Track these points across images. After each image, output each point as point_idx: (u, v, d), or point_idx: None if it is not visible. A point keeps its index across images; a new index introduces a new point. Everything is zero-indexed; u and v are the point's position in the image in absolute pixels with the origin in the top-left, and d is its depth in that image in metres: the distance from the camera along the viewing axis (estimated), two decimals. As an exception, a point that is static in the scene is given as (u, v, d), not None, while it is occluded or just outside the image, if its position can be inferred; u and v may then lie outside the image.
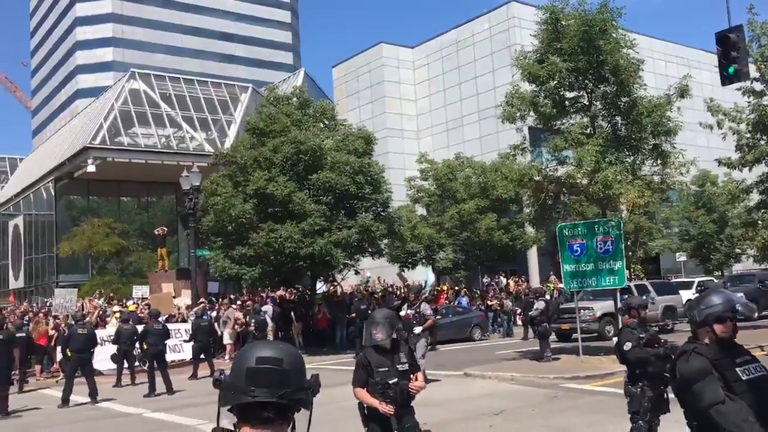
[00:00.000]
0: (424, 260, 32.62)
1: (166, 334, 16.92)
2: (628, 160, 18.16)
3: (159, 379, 15.63)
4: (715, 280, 32.72)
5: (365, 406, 5.76)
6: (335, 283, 29.25)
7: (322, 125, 26.36)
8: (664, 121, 17.61)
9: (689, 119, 24.33)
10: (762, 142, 22.27)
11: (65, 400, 14.52)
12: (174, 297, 26.44)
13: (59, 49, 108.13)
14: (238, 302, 26.57)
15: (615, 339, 7.69)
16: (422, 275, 33.93)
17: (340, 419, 9.34)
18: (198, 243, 25.81)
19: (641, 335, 6.89)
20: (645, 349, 6.77)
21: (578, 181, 18.16)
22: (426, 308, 15.30)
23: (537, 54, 18.48)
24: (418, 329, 14.48)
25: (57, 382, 18.28)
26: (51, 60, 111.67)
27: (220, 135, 42.35)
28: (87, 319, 18.71)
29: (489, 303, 28.78)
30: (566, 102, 18.65)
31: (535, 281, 36.00)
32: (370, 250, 25.12)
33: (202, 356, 18.51)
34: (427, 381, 10.46)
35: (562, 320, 21.45)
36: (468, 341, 24.70)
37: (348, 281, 30.52)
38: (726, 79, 14.74)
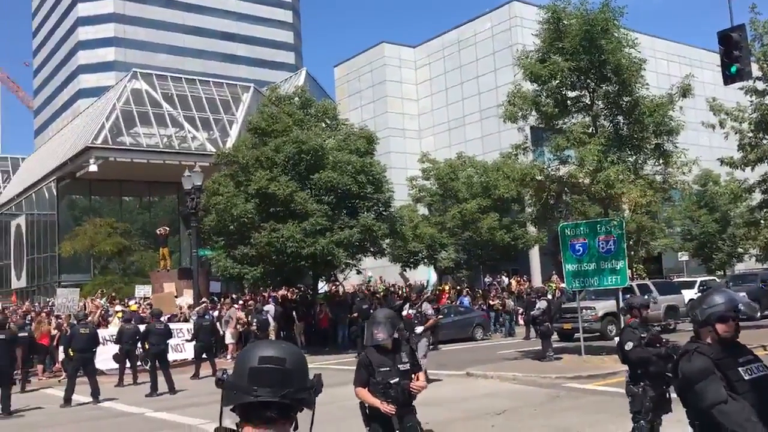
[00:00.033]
0: (425, 260, 32.61)
1: (168, 333, 16.94)
2: (630, 159, 18.13)
3: (161, 379, 15.65)
4: (718, 280, 32.67)
5: (367, 405, 5.76)
6: (337, 283, 29.26)
7: (323, 125, 26.37)
8: (666, 121, 17.58)
9: (691, 119, 24.30)
10: (764, 142, 22.24)
11: (67, 400, 14.53)
12: (176, 297, 26.47)
13: (61, 49, 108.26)
14: (240, 302, 26.59)
15: (617, 339, 7.68)
16: (424, 275, 33.95)
17: (342, 419, 9.35)
18: (200, 243, 25.83)
19: (643, 335, 6.88)
20: (646, 349, 6.76)
21: (580, 180, 18.13)
22: (427, 308, 15.28)
23: (539, 53, 18.46)
24: (419, 329, 14.48)
25: (59, 381, 18.32)
26: (53, 60, 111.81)
27: (221, 135, 42.37)
28: (89, 318, 18.74)
29: (491, 303, 28.76)
30: (568, 101, 18.63)
31: (537, 281, 35.99)
32: (371, 249, 25.13)
33: (204, 356, 18.52)
34: (428, 381, 10.46)
35: (564, 320, 21.44)
36: (470, 341, 24.70)
37: (350, 281, 30.52)
38: (728, 79, 14.72)
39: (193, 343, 19.03)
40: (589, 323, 20.81)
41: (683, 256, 39.50)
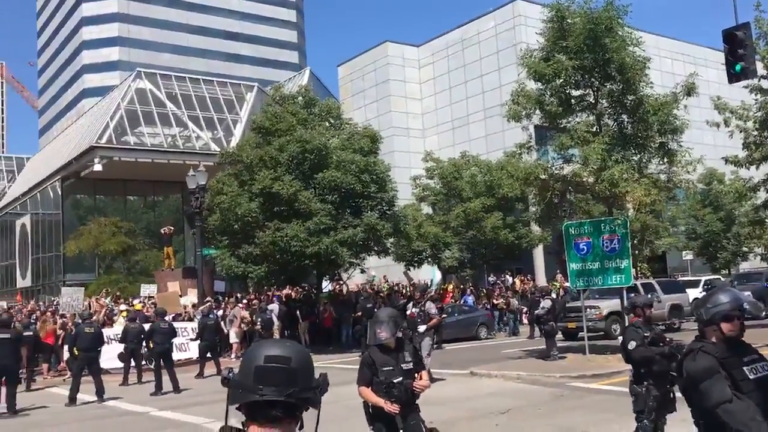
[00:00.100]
0: (429, 259, 32.62)
1: (173, 332, 16.96)
2: (634, 158, 18.11)
3: (166, 378, 15.67)
4: (722, 279, 32.62)
5: (370, 405, 5.76)
6: (341, 282, 29.28)
7: (327, 124, 26.38)
8: (670, 120, 17.54)
9: (696, 117, 24.23)
10: (769, 140, 22.17)
11: (72, 399, 14.57)
12: (180, 296, 26.49)
13: (66, 49, 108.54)
14: (245, 301, 26.63)
15: (621, 338, 7.67)
16: (428, 274, 33.98)
17: (346, 418, 9.35)
18: (204, 242, 25.87)
19: (646, 334, 6.86)
20: (650, 348, 6.75)
21: (584, 179, 18.12)
22: (431, 307, 15.29)
23: (543, 52, 18.43)
24: (422, 328, 14.48)
25: (64, 380, 18.36)
26: (57, 60, 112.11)
27: (225, 134, 42.41)
28: (94, 317, 18.79)
29: (495, 302, 28.77)
30: (572, 100, 18.61)
31: (541, 280, 35.96)
32: (375, 248, 25.14)
33: (208, 355, 18.55)
34: (432, 380, 10.46)
35: (568, 319, 21.42)
36: (474, 340, 24.71)
37: (354, 280, 30.55)
38: (733, 77, 14.69)
39: (198, 342, 19.06)
40: (594, 322, 20.80)
41: (688, 255, 39.44)
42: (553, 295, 22.57)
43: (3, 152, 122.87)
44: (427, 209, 35.02)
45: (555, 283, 30.44)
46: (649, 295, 17.63)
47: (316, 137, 23.49)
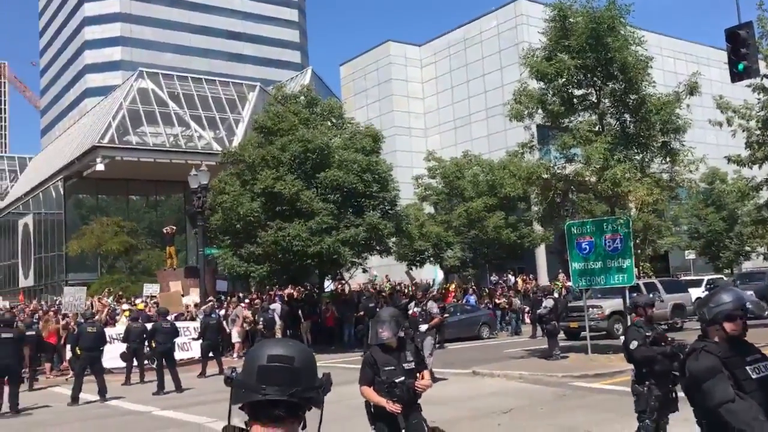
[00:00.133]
0: (431, 258, 32.62)
1: (175, 332, 16.98)
2: (636, 157, 18.09)
3: (168, 377, 15.69)
4: (725, 278, 32.57)
5: (372, 404, 5.76)
6: (343, 282, 29.28)
7: (329, 123, 26.40)
8: (673, 119, 17.53)
9: (698, 116, 24.25)
10: (772, 139, 22.12)
11: (75, 398, 14.58)
12: (183, 295, 26.53)
13: (68, 49, 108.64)
14: (247, 300, 26.64)
15: (623, 337, 7.66)
16: (430, 273, 33.98)
17: (348, 417, 9.35)
18: (206, 241, 25.89)
19: (647, 333, 6.86)
20: (651, 348, 6.74)
21: (587, 178, 18.11)
22: (433, 306, 15.28)
23: (545, 51, 18.42)
24: (423, 327, 14.47)
25: (66, 380, 18.38)
26: (60, 59, 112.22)
27: (228, 134, 42.46)
28: (96, 317, 18.81)
29: (497, 301, 28.75)
30: (574, 99, 18.59)
31: (543, 279, 35.94)
32: (377, 248, 25.14)
33: (210, 354, 18.57)
34: (434, 379, 10.46)
35: (570, 318, 21.39)
36: (476, 339, 24.69)
37: (356, 279, 30.56)
38: (736, 76, 14.66)
39: (200, 341, 19.06)
40: (596, 322, 20.77)
41: (690, 255, 39.41)
42: (556, 295, 22.55)
43: (5, 152, 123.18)
44: (429, 209, 35.02)
45: (557, 283, 30.42)
46: (651, 295, 17.64)
47: (318, 137, 23.49)
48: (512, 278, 34.18)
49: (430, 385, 5.97)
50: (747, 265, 41.10)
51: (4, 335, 13.68)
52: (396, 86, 50.31)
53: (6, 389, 13.79)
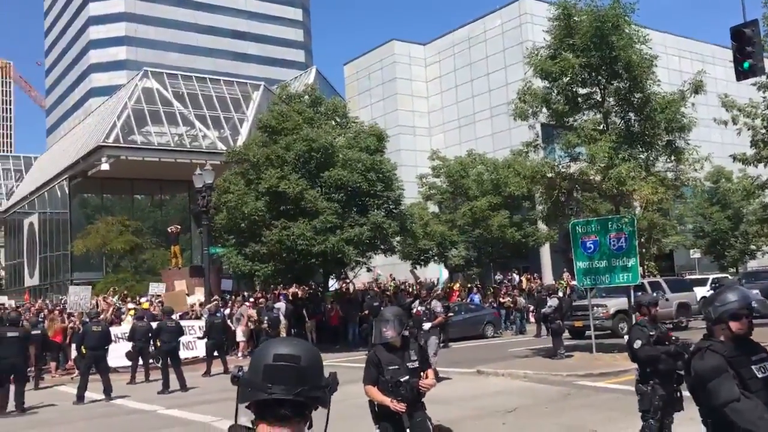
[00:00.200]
0: (436, 257, 32.61)
1: (180, 331, 17.02)
2: (641, 156, 18.04)
3: (173, 376, 15.73)
4: (730, 277, 32.50)
5: (376, 404, 5.75)
6: (347, 281, 29.30)
7: (333, 123, 26.41)
8: (678, 117, 17.47)
9: (703, 115, 24.14)
10: (777, 138, 22.05)
11: (80, 397, 14.64)
12: (187, 294, 26.56)
13: (73, 48, 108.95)
14: (251, 299, 26.65)
15: (627, 336, 7.65)
16: (435, 272, 33.97)
17: (353, 417, 9.35)
18: (211, 240, 25.93)
19: (651, 333, 6.84)
20: (655, 347, 6.73)
21: (591, 177, 18.07)
22: (437, 305, 15.28)
23: (549, 50, 18.38)
24: (427, 325, 14.48)
25: (72, 379, 18.45)
26: (65, 59, 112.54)
27: (232, 133, 42.49)
28: (101, 316, 18.87)
29: (502, 300, 28.73)
30: (579, 98, 18.55)
31: (548, 278, 35.92)
32: (382, 247, 25.16)
33: (215, 353, 18.60)
34: (438, 379, 10.46)
35: (575, 317, 21.37)
36: (481, 338, 24.68)
37: (360, 278, 30.58)
38: (741, 75, 14.63)
39: (205, 340, 19.11)
40: (601, 321, 20.76)
41: (695, 254, 39.34)
42: (560, 294, 22.50)
43: (11, 151, 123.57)
44: (433, 208, 35.01)
45: (562, 282, 30.40)
46: (655, 294, 17.59)
47: (323, 136, 23.51)
48: (517, 277, 34.14)
49: (434, 384, 5.96)
50: (752, 264, 40.99)
51: (9, 334, 13.74)
52: (400, 85, 50.30)
53: (12, 388, 13.85)
